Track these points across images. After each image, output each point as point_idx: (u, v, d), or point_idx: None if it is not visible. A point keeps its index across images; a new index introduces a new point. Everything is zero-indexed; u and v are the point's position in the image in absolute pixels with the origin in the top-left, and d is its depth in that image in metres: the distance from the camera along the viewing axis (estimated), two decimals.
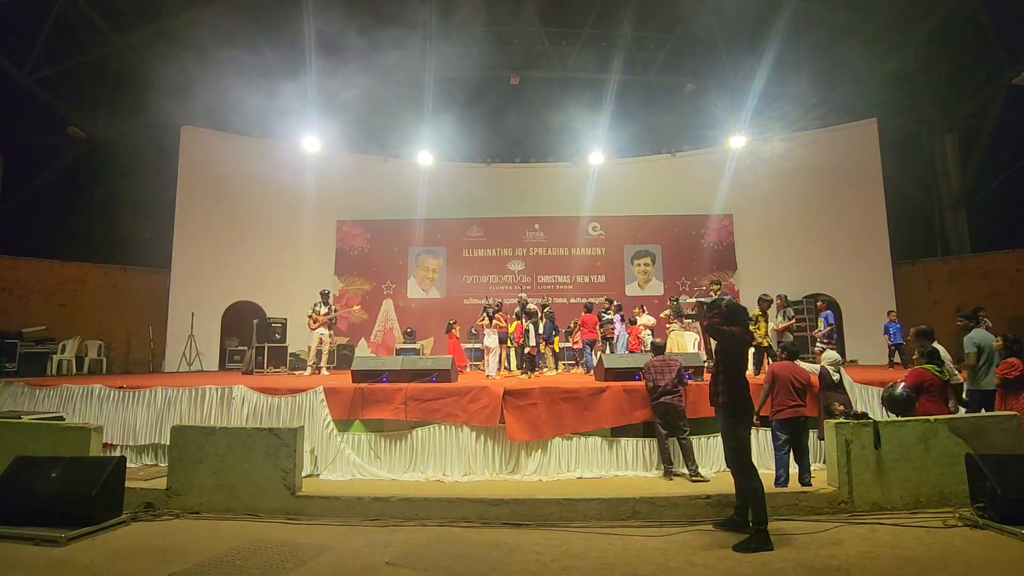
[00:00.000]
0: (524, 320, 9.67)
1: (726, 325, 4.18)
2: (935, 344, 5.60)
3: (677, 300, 9.97)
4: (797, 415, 5.59)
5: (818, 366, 6.44)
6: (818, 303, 9.80)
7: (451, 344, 11.00)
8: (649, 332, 10.37)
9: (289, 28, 12.10)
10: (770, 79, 12.92)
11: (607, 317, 10.07)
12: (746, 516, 4.11)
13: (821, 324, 9.32)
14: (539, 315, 9.88)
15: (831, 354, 6.58)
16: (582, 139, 14.97)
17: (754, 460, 4.22)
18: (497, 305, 10.94)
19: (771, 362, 7.12)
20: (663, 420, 6.30)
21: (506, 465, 6.49)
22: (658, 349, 7.00)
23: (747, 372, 4.51)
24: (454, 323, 11.33)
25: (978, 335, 6.03)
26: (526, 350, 9.64)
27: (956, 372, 5.85)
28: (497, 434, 6.53)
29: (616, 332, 10.02)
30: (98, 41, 12.22)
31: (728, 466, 4.28)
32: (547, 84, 14.43)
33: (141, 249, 13.71)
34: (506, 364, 10.74)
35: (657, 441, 6.41)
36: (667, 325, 10.55)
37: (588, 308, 10.70)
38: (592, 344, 10.27)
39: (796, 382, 5.63)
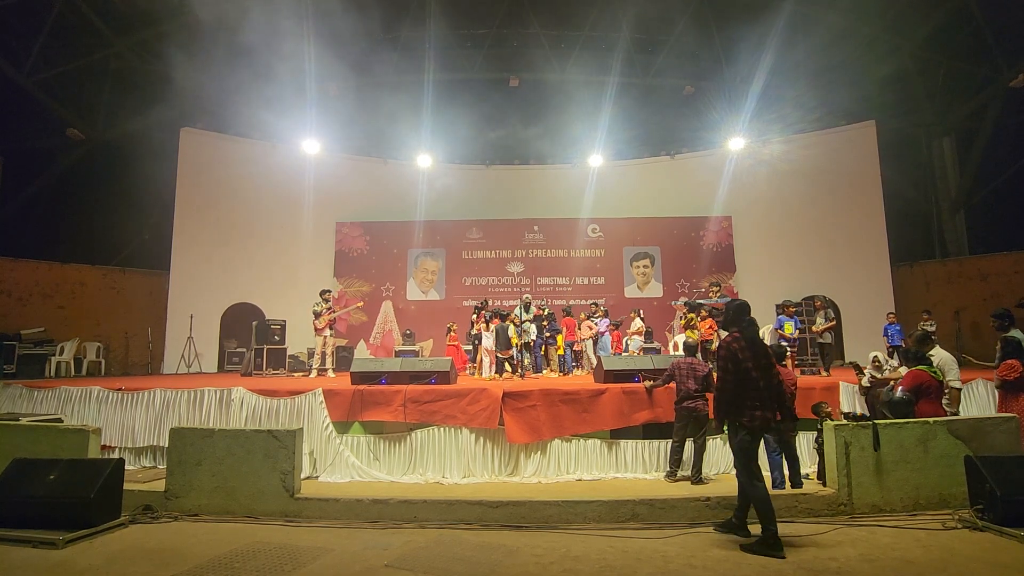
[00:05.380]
0: (497, 321, 9.40)
1: (730, 327, 4.20)
2: (936, 348, 5.62)
3: (639, 311, 10.86)
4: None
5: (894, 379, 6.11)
6: (788, 308, 9.69)
7: (449, 347, 10.98)
8: (639, 338, 10.49)
9: (288, 30, 12.10)
10: (768, 82, 12.97)
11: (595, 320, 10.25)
12: (744, 519, 4.16)
13: (790, 327, 9.25)
14: (510, 318, 9.72)
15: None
16: (581, 141, 15.00)
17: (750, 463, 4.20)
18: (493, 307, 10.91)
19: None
20: (683, 423, 6.07)
21: (505, 467, 6.47)
22: (690, 350, 6.60)
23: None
24: (453, 326, 11.34)
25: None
26: (510, 353, 9.47)
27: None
28: (496, 436, 6.51)
29: (598, 334, 10.19)
30: (97, 43, 12.21)
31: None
32: (546, 86, 14.44)
33: (140, 251, 13.71)
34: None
35: (672, 442, 6.16)
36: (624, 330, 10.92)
37: (567, 311, 10.76)
38: (572, 346, 10.38)
39: (787, 387, 5.53)
